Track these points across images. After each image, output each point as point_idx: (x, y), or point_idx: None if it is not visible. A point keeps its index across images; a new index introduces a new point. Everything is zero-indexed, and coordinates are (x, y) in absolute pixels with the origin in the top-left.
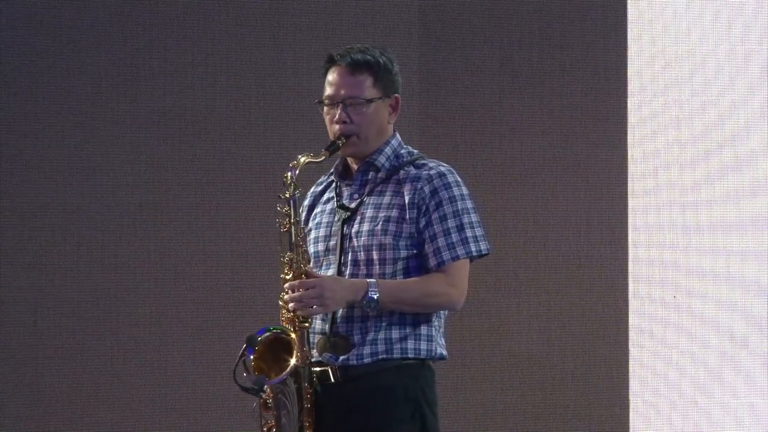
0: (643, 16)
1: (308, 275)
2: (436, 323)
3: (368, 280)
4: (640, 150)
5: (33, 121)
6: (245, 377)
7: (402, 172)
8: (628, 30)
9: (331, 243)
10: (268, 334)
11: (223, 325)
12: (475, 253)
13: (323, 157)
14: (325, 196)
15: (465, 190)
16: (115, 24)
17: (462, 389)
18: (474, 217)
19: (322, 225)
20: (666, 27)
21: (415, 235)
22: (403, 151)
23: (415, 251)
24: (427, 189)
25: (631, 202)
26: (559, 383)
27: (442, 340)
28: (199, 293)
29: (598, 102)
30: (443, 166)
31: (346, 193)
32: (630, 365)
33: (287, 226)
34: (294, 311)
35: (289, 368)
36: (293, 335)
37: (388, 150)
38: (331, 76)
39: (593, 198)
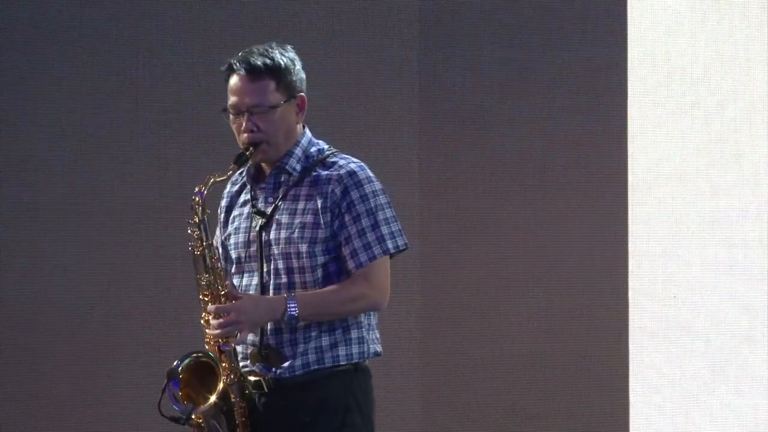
0: (643, 12)
1: (227, 297)
2: (365, 323)
3: (285, 296)
4: (640, 144)
5: (33, 122)
6: (174, 408)
7: (313, 173)
8: (628, 26)
9: (252, 250)
10: (189, 360)
11: None
12: (392, 250)
13: (231, 172)
14: (241, 198)
15: (378, 185)
16: (118, 23)
17: (460, 383)
18: (389, 212)
19: (240, 230)
20: (665, 22)
21: (331, 239)
22: (312, 150)
23: (333, 255)
24: (338, 190)
25: (631, 196)
26: (559, 377)
27: (376, 334)
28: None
29: (598, 97)
30: (353, 162)
31: (260, 196)
32: (630, 360)
33: (200, 249)
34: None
35: (215, 395)
36: (215, 357)
37: (298, 151)
38: (233, 84)
39: (594, 192)
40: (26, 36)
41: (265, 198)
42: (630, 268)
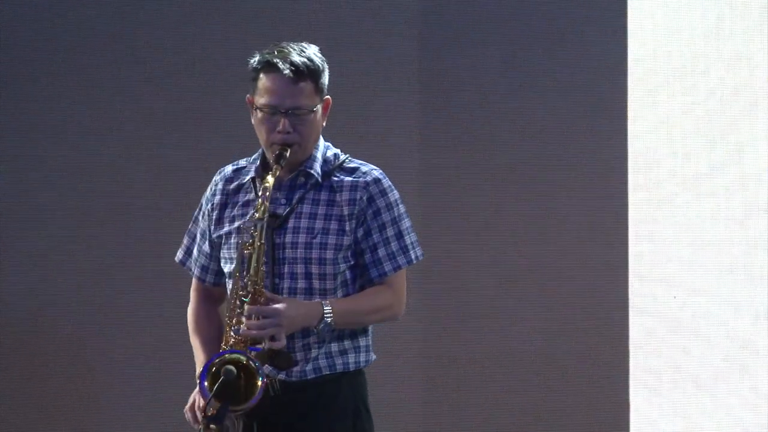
0: (643, 12)
1: (267, 300)
2: (370, 331)
3: (322, 303)
4: (640, 144)
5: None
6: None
7: (334, 178)
8: (628, 25)
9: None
10: (236, 357)
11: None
12: (414, 261)
13: (278, 173)
14: (241, 198)
15: (398, 194)
16: (123, 23)
17: (461, 382)
18: (409, 222)
19: (245, 231)
20: (665, 21)
21: (353, 246)
22: (329, 154)
23: (352, 263)
24: (365, 197)
25: (632, 196)
26: (559, 377)
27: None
28: None
29: (598, 97)
30: (376, 170)
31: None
32: (630, 361)
33: (249, 248)
34: (249, 337)
35: (260, 390)
36: (246, 357)
37: (319, 156)
38: (272, 84)
39: (594, 192)
40: (26, 35)
41: (277, 200)
42: (630, 268)
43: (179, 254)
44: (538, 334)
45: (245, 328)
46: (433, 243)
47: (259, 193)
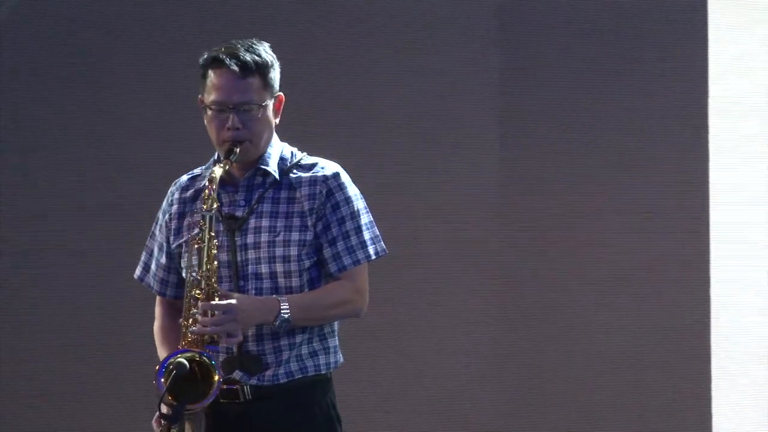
0: (724, 7)
1: (220, 296)
2: (337, 331)
3: (279, 298)
4: (721, 140)
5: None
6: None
7: (292, 175)
8: (709, 18)
9: (222, 255)
10: (189, 356)
11: None
12: (373, 256)
13: (227, 166)
14: (199, 205)
15: (357, 189)
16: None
17: (538, 376)
18: (370, 217)
19: (194, 224)
20: (746, 18)
21: (314, 241)
22: (285, 152)
23: (315, 258)
24: (324, 191)
25: (713, 190)
26: (639, 368)
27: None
28: None
29: (679, 91)
30: (333, 164)
31: (226, 200)
32: (711, 352)
33: (200, 242)
34: (203, 334)
35: (215, 388)
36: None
37: (274, 152)
38: (219, 80)
39: (674, 187)
40: (32, 34)
41: (235, 201)
42: (712, 266)
43: (138, 271)
44: (618, 326)
45: (200, 326)
46: (511, 237)
47: (205, 185)
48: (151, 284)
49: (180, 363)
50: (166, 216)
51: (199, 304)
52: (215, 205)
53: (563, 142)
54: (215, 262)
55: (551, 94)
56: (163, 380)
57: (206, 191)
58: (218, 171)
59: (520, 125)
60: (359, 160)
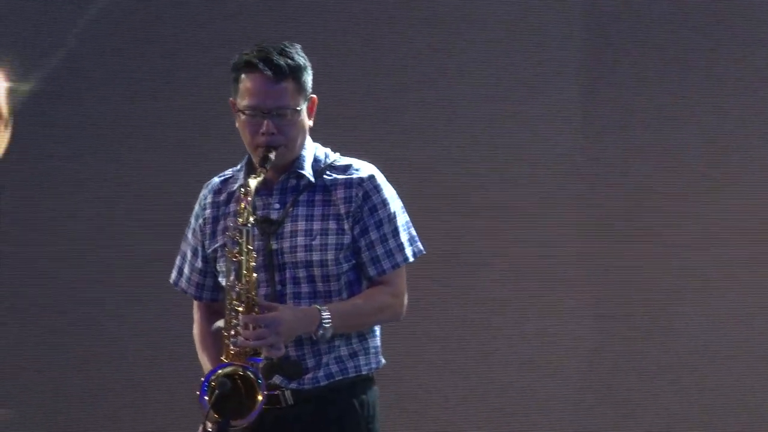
0: None
1: (261, 308)
2: (378, 333)
3: (320, 309)
4: None
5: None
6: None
7: (327, 177)
8: None
9: (258, 260)
10: (230, 370)
11: None
12: (411, 258)
13: (263, 176)
14: (232, 208)
15: (393, 190)
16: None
17: (635, 374)
18: (406, 217)
19: (231, 238)
20: None
21: (352, 244)
22: (319, 153)
23: (353, 262)
24: (360, 194)
25: None
26: (741, 365)
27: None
28: None
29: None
30: (369, 165)
31: (259, 203)
32: None
33: (238, 256)
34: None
35: (259, 404)
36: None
37: (308, 156)
38: (253, 84)
39: (762, 187)
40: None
41: (269, 205)
42: None
43: (173, 275)
44: (717, 321)
45: (242, 339)
46: (599, 236)
47: (240, 198)
48: (185, 289)
49: (222, 381)
50: (200, 220)
51: (240, 317)
52: (252, 219)
53: (648, 137)
54: (254, 275)
55: (635, 91)
56: (207, 398)
57: (242, 204)
58: (253, 183)
59: (603, 121)
60: (442, 159)
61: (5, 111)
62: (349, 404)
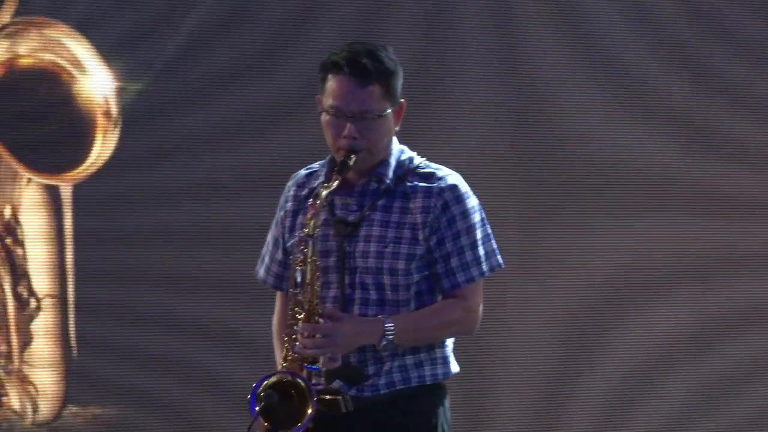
0: None
1: (323, 316)
2: (448, 342)
3: (384, 321)
4: None
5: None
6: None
7: (408, 184)
8: None
9: (331, 260)
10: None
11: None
12: (488, 273)
13: (336, 183)
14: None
15: (476, 200)
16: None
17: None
18: (488, 229)
19: (294, 246)
20: None
21: (426, 255)
22: (403, 158)
23: (426, 273)
24: (439, 204)
25: None
26: None
27: (453, 353)
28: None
29: None
30: (452, 174)
31: (339, 203)
32: None
33: (301, 264)
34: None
35: (308, 417)
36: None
37: (392, 160)
38: (337, 86)
39: None
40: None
41: (347, 205)
42: None
43: (258, 266)
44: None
45: (301, 346)
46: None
47: (309, 205)
48: (265, 278)
49: (269, 394)
50: (282, 212)
51: (300, 324)
52: (317, 230)
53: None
54: (317, 283)
55: (739, 72)
56: (257, 408)
57: (309, 212)
58: (324, 193)
59: (707, 103)
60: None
61: (114, 111)
62: (410, 416)
